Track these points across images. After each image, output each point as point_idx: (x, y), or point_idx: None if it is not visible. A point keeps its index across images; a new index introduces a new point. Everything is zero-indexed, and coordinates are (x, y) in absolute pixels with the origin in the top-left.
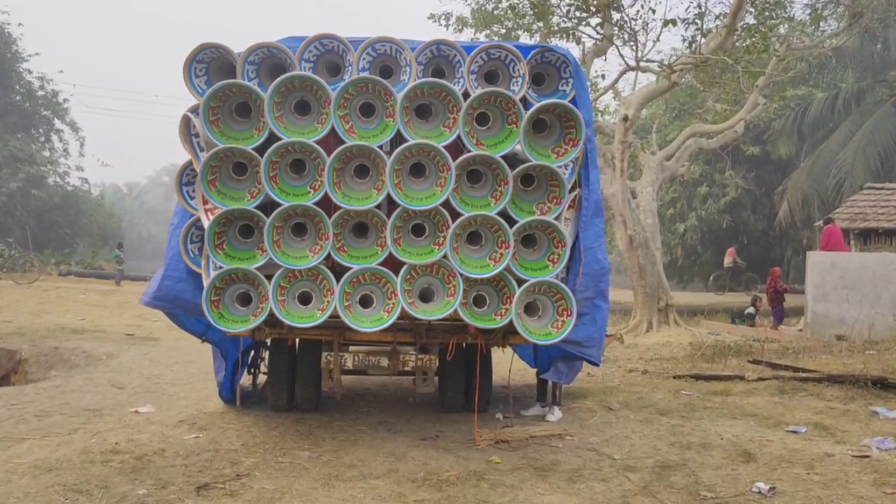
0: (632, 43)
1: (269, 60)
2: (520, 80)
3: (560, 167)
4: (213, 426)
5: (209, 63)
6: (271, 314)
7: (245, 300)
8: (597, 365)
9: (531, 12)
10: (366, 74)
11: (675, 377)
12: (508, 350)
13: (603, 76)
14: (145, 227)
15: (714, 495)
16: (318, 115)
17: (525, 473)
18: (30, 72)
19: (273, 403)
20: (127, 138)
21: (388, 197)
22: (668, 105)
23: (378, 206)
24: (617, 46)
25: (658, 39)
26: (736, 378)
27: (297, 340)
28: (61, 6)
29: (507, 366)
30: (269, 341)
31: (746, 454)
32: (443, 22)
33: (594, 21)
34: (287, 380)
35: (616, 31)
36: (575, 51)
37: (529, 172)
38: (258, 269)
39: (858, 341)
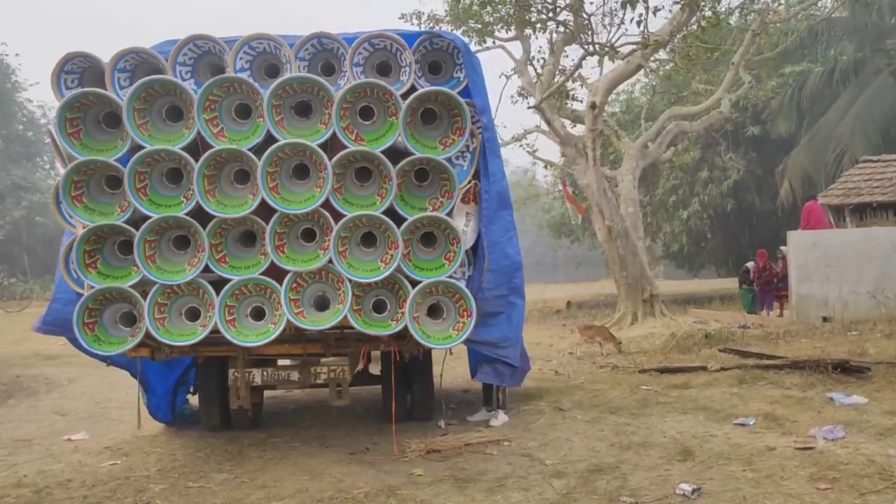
0: (590, 28)
1: (205, 59)
2: (407, 69)
3: (457, 159)
4: (138, 451)
5: (82, 72)
6: (148, 334)
7: (130, 320)
8: (514, 367)
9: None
10: (229, 74)
11: (640, 371)
12: (463, 354)
13: (581, 65)
14: None
15: (635, 500)
16: (186, 121)
17: (444, 486)
18: (30, 101)
19: (206, 423)
20: None
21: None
22: (655, 91)
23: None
24: (583, 35)
25: (622, 23)
26: (700, 369)
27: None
28: (47, 30)
29: (465, 369)
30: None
31: (685, 452)
32: (415, 21)
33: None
34: (218, 398)
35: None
36: (541, 41)
37: (423, 167)
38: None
39: (843, 322)
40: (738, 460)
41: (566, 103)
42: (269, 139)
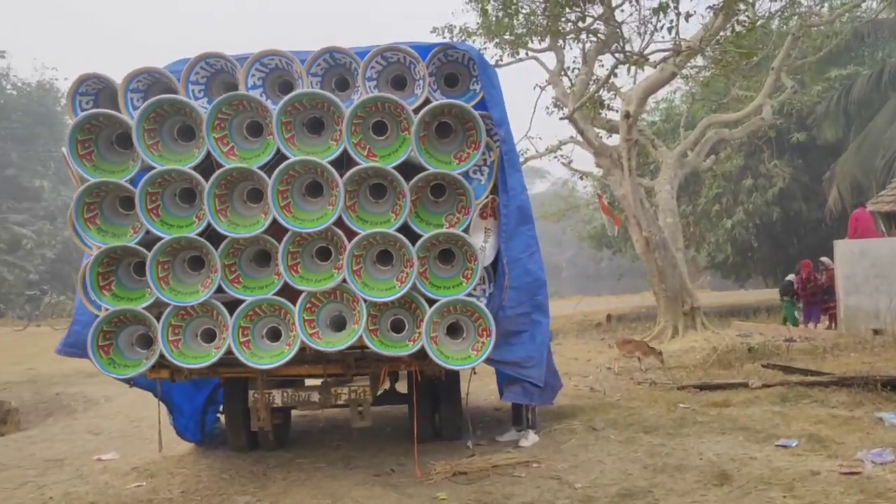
0: (622, 37)
1: (219, 77)
2: (421, 82)
3: (475, 174)
4: (164, 472)
5: (97, 93)
6: (163, 356)
7: (146, 342)
8: (538, 387)
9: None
10: (237, 92)
11: (679, 388)
12: (493, 371)
13: (616, 74)
14: None
15: None
16: (197, 140)
17: None
18: None
19: (232, 443)
20: None
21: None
22: (694, 98)
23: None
24: (616, 44)
25: (657, 29)
26: (741, 386)
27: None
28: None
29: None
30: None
31: (722, 476)
32: (446, 35)
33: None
34: (243, 419)
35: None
36: (574, 51)
37: (439, 182)
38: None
39: (895, 335)
40: (779, 486)
41: (601, 113)
42: (283, 157)
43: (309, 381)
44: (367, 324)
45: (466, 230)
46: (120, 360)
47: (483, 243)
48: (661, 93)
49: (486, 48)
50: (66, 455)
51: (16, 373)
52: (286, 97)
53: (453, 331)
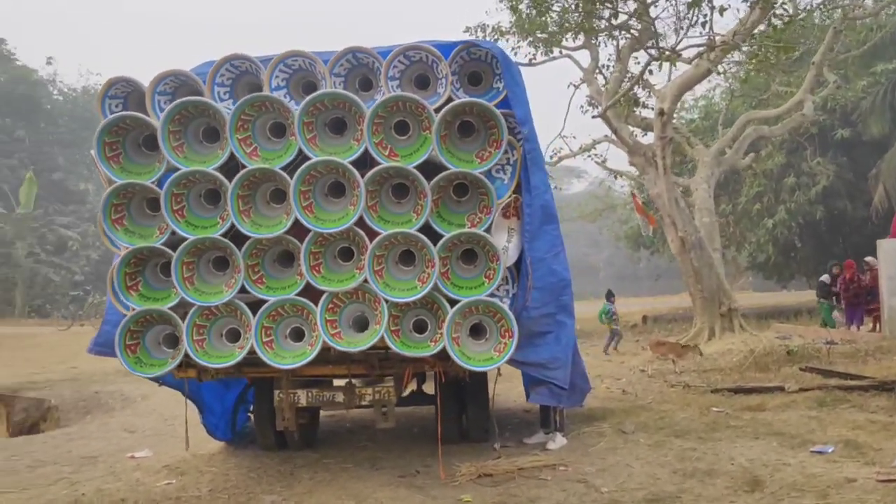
0: (656, 33)
1: (244, 78)
2: (443, 81)
3: (497, 172)
4: (193, 470)
5: (126, 96)
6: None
7: (173, 341)
8: (564, 389)
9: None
10: (259, 93)
11: (713, 391)
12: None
13: (651, 71)
14: None
15: None
16: (221, 141)
17: None
18: None
19: (261, 443)
20: None
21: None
22: (733, 95)
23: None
24: (652, 41)
25: (692, 24)
26: (777, 390)
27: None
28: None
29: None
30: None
31: (754, 482)
32: (479, 34)
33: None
34: (270, 419)
35: (642, 22)
36: (609, 49)
37: (462, 182)
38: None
39: None
40: (813, 493)
41: (635, 111)
42: (306, 157)
43: (337, 382)
44: (388, 324)
45: (488, 230)
46: (146, 360)
47: (506, 243)
48: (700, 90)
49: (519, 47)
50: (101, 452)
51: (59, 371)
52: (307, 98)
53: (476, 332)
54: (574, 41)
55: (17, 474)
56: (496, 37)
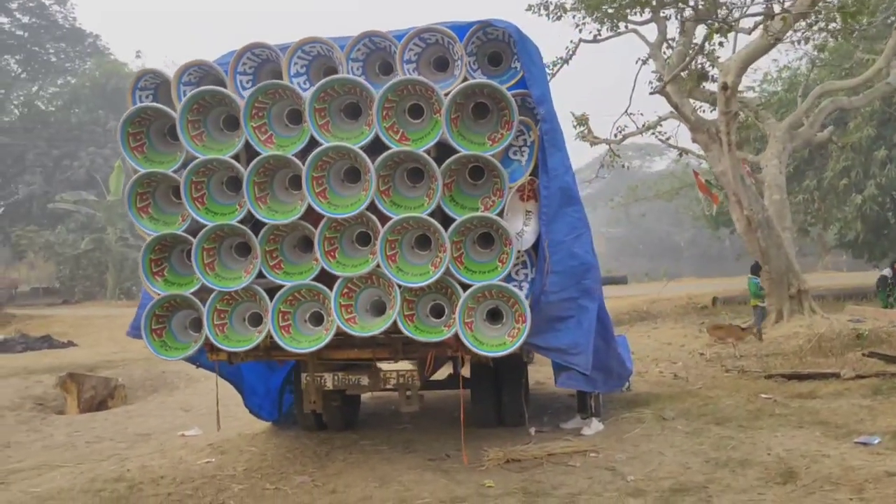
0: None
1: (266, 66)
2: (459, 62)
3: (514, 154)
4: (234, 449)
5: (155, 88)
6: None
7: (199, 325)
8: (586, 374)
9: None
10: (271, 81)
11: (767, 377)
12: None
13: (721, 44)
14: None
15: None
16: (239, 129)
17: (511, 499)
18: None
19: (301, 424)
20: None
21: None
22: (815, 65)
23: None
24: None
25: None
26: (832, 377)
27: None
28: None
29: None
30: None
31: (788, 473)
32: (542, 12)
33: None
34: None
35: None
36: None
37: (478, 165)
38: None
39: None
40: (847, 487)
41: (702, 86)
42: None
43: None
44: (401, 309)
45: (501, 213)
46: (172, 343)
47: (523, 226)
48: (784, 60)
49: (585, 23)
50: (156, 429)
51: (135, 351)
52: (319, 83)
53: (494, 317)
54: (641, 15)
55: (76, 449)
56: (560, 14)
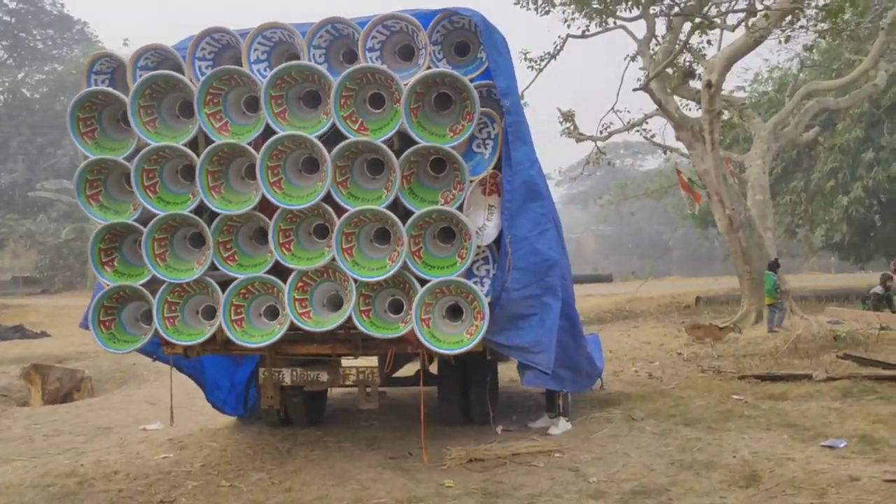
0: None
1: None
2: (423, 51)
3: (478, 147)
4: (194, 445)
5: (112, 72)
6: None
7: (151, 318)
8: (547, 374)
9: None
10: (225, 66)
11: (740, 378)
12: None
13: (708, 42)
14: None
15: None
16: (193, 116)
17: (470, 500)
18: None
19: (265, 420)
20: None
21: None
22: (803, 65)
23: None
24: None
25: None
26: (804, 378)
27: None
28: None
29: None
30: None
31: (751, 477)
32: (531, 6)
33: None
34: None
35: None
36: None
37: (440, 157)
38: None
39: None
40: (810, 491)
41: (688, 84)
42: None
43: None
44: (357, 304)
45: (462, 207)
46: (121, 336)
47: (485, 221)
48: (775, 60)
49: (573, 18)
50: (118, 423)
51: None
52: (274, 70)
53: (454, 313)
54: (630, 11)
55: (32, 442)
56: (548, 8)
